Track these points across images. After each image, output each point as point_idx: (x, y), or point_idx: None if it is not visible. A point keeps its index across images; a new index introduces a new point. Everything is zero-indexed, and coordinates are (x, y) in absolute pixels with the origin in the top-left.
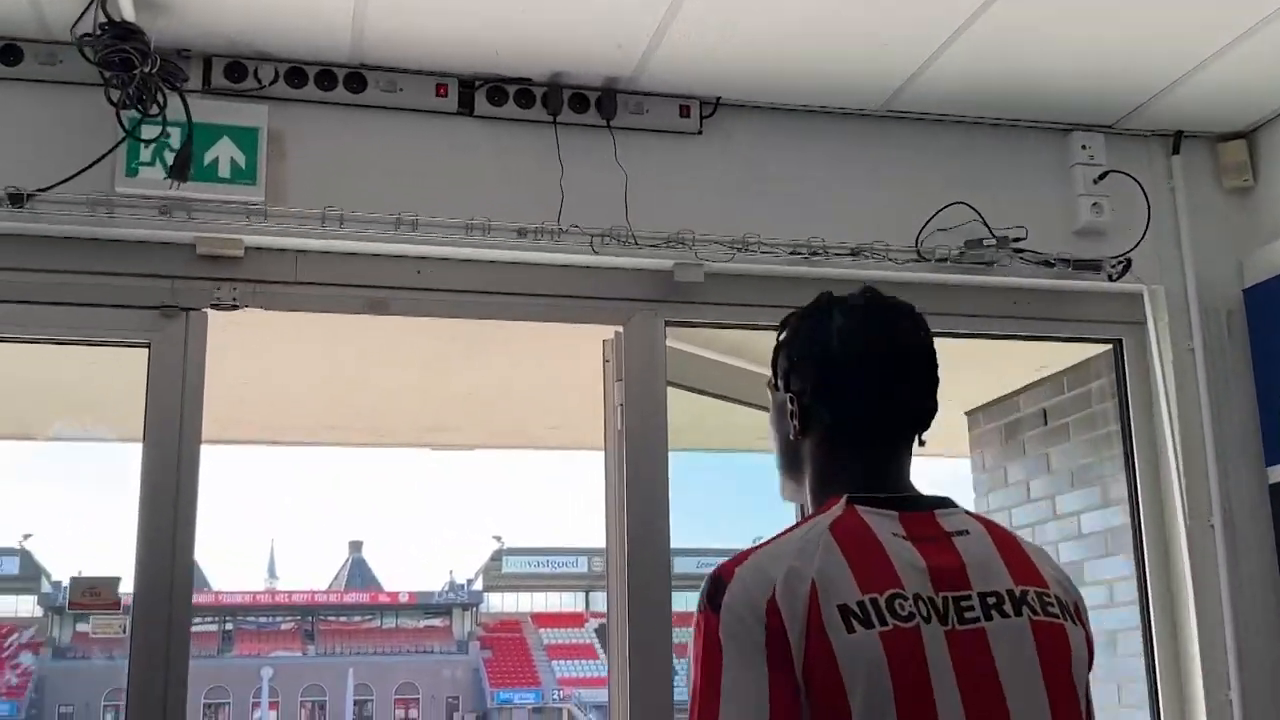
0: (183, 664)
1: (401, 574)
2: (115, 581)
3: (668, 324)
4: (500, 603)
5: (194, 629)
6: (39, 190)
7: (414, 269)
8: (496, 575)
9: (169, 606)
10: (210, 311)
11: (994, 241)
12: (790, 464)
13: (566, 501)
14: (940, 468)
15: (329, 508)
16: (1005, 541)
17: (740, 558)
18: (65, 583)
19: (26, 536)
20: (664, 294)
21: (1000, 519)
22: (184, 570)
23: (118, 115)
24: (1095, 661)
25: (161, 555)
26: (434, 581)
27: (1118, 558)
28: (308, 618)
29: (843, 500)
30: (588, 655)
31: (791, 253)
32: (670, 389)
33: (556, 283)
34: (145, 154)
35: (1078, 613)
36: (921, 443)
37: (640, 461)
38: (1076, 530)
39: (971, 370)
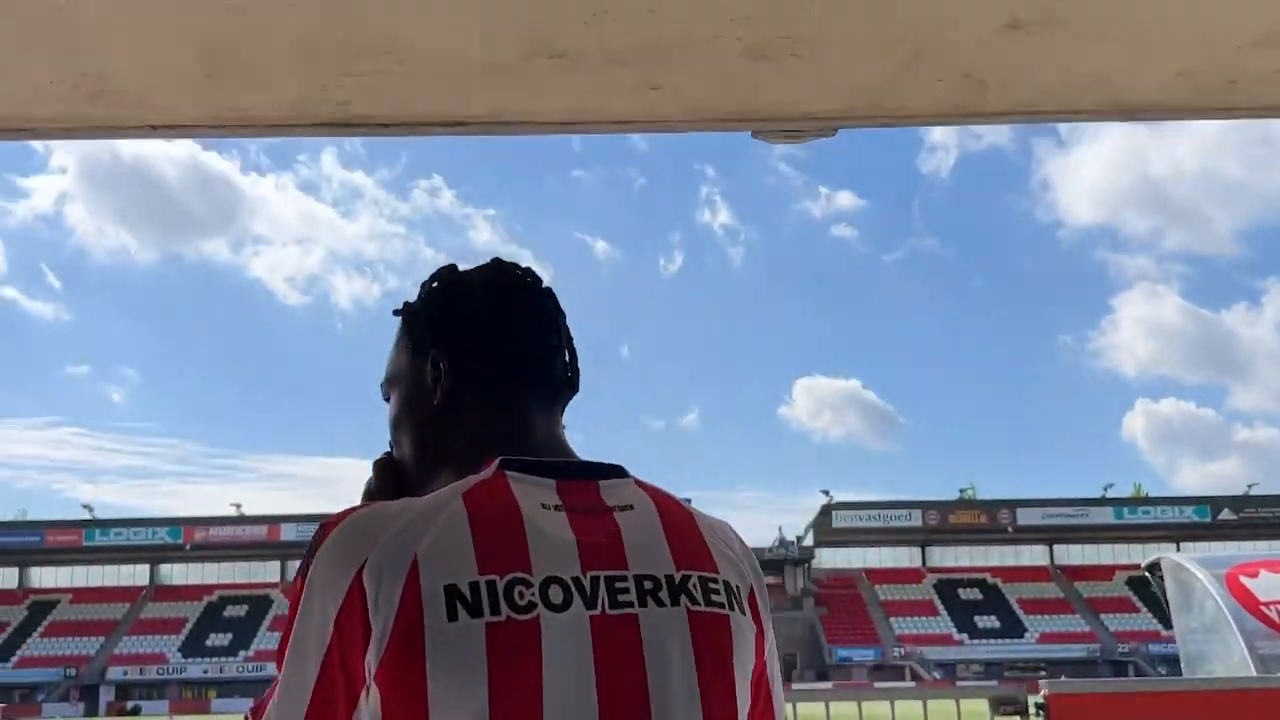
0: None
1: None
2: None
3: None
4: (832, 558)
5: None
6: None
7: None
8: (827, 530)
9: None
10: None
11: None
12: (425, 446)
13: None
14: None
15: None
16: (675, 518)
17: (350, 511)
18: None
19: (237, 507)
20: None
21: None
22: None
23: None
24: None
25: None
26: (763, 538)
27: None
28: None
29: (494, 464)
30: (927, 612)
31: None
32: None
33: None
34: None
35: (753, 600)
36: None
37: None
38: None
39: None
